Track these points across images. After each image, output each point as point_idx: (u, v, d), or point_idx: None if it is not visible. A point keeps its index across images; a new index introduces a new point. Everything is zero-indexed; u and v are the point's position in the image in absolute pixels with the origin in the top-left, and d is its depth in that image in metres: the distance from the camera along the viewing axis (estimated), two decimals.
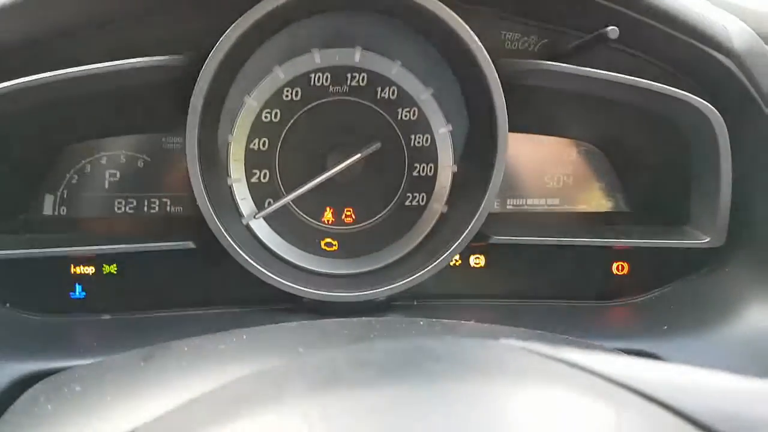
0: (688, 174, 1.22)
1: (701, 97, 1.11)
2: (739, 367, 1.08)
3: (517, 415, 0.46)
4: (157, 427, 0.54)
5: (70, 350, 1.05)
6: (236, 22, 1.05)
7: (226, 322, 1.19)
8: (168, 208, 1.31)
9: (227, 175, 1.26)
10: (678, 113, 1.14)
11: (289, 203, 1.27)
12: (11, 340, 1.09)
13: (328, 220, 1.30)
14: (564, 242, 1.22)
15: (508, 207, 1.37)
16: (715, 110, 1.11)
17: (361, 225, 1.31)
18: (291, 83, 1.25)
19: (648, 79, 1.11)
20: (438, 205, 1.30)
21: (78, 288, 1.26)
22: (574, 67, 1.10)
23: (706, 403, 0.46)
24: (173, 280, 1.27)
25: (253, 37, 1.12)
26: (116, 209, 1.29)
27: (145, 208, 1.30)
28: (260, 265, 1.15)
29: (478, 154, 1.23)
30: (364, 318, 0.88)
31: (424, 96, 1.27)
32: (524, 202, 1.37)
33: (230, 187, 1.26)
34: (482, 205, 1.18)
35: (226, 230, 1.14)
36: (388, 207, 1.31)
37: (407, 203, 1.31)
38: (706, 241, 1.18)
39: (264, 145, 1.27)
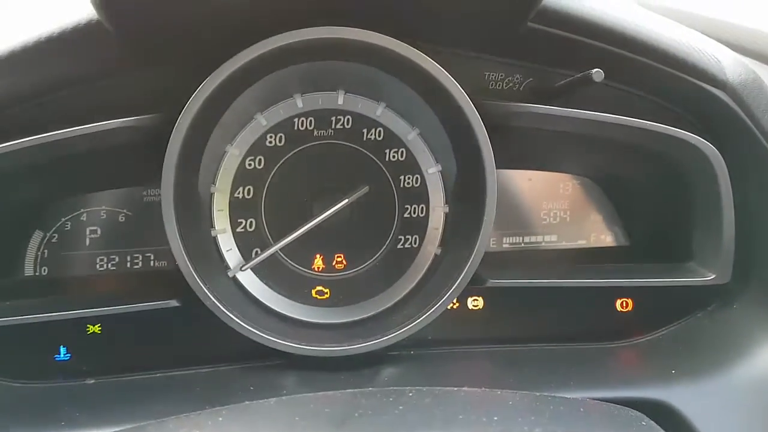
0: (689, 208, 1.18)
1: (697, 131, 1.07)
2: (751, 413, 1.04)
3: None
4: None
5: (54, 422, 1.01)
6: (203, 82, 1.03)
7: (215, 382, 1.15)
8: (151, 263, 1.27)
9: (211, 226, 1.22)
10: (674, 150, 1.10)
11: (277, 252, 1.23)
12: None
13: (318, 268, 1.26)
14: (564, 284, 1.17)
15: (504, 245, 1.33)
16: (713, 147, 1.07)
17: (352, 271, 1.27)
18: (274, 129, 1.22)
19: (642, 114, 1.08)
20: (431, 247, 1.26)
21: (62, 350, 1.23)
22: (561, 109, 1.07)
23: None
24: (160, 338, 1.23)
25: (229, 90, 1.08)
26: (98, 267, 1.26)
27: (128, 264, 1.27)
28: (246, 323, 1.11)
29: (469, 193, 1.19)
30: (348, 392, 0.83)
31: (411, 136, 1.23)
32: (521, 240, 1.33)
33: (215, 239, 1.22)
34: (476, 247, 1.14)
35: (208, 286, 1.10)
36: (380, 251, 1.27)
37: (399, 246, 1.27)
38: (711, 278, 1.14)
39: (249, 193, 1.23)
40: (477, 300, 1.31)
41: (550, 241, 1.33)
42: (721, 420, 1.00)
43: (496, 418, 0.76)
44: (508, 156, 1.14)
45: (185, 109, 1.03)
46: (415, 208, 1.26)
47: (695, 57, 1.06)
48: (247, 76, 1.09)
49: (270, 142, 1.22)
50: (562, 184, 1.32)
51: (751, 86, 1.07)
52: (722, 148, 1.08)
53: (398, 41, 1.05)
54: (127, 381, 1.16)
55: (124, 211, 1.25)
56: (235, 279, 1.23)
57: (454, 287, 1.14)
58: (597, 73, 0.99)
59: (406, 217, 1.26)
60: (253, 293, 1.24)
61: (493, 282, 1.18)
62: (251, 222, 1.23)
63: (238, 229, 1.23)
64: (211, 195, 1.21)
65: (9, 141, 0.98)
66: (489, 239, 1.15)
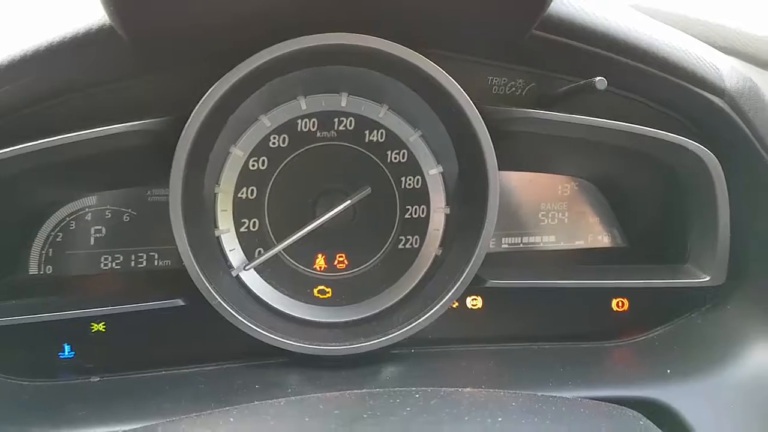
0: (685, 211, 1.20)
1: (695, 138, 1.09)
2: (745, 411, 1.06)
3: None
4: None
5: (58, 421, 1.02)
6: (212, 87, 1.04)
7: (220, 380, 1.16)
8: (156, 262, 1.28)
9: (215, 226, 1.23)
10: (672, 155, 1.12)
11: (280, 252, 1.24)
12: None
13: (320, 267, 1.28)
14: (562, 285, 1.20)
15: (503, 246, 1.34)
16: (711, 153, 1.09)
17: (354, 270, 1.28)
18: (277, 130, 1.23)
19: (641, 119, 1.10)
20: (432, 248, 1.28)
21: (66, 348, 1.23)
22: (562, 115, 1.09)
23: None
24: (163, 336, 1.23)
25: (236, 94, 1.09)
26: (102, 265, 1.26)
27: (132, 263, 1.27)
28: (249, 321, 1.13)
29: (471, 195, 1.21)
30: (356, 392, 0.85)
31: (413, 138, 1.25)
32: (520, 241, 1.35)
33: (218, 239, 1.23)
34: (477, 249, 1.16)
35: (213, 285, 1.11)
36: (382, 251, 1.28)
37: (400, 247, 1.28)
38: (706, 280, 1.16)
39: (252, 193, 1.24)
40: (476, 300, 1.33)
41: (548, 241, 1.35)
42: (715, 418, 1.03)
43: (500, 419, 0.78)
44: (509, 158, 1.15)
45: (194, 113, 1.04)
46: (416, 209, 1.28)
47: (695, 65, 1.08)
48: (254, 80, 1.10)
49: (273, 143, 1.23)
50: (561, 185, 1.34)
51: (748, 94, 1.10)
52: (719, 154, 1.10)
53: (403, 47, 1.06)
54: (131, 379, 1.17)
55: (129, 210, 1.26)
56: (238, 278, 1.24)
57: (455, 288, 1.16)
58: (600, 82, 1.00)
59: (408, 218, 1.28)
60: (256, 292, 1.25)
61: (492, 282, 1.20)
62: (254, 222, 1.25)
63: (242, 229, 1.24)
64: (215, 195, 1.22)
65: (20, 144, 0.98)
66: (490, 241, 1.16)
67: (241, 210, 1.24)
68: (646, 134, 1.07)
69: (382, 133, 1.25)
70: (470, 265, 1.16)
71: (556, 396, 0.91)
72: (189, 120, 1.04)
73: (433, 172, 1.26)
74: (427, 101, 1.18)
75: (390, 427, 0.72)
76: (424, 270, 1.28)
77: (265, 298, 1.25)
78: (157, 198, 1.26)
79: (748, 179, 1.14)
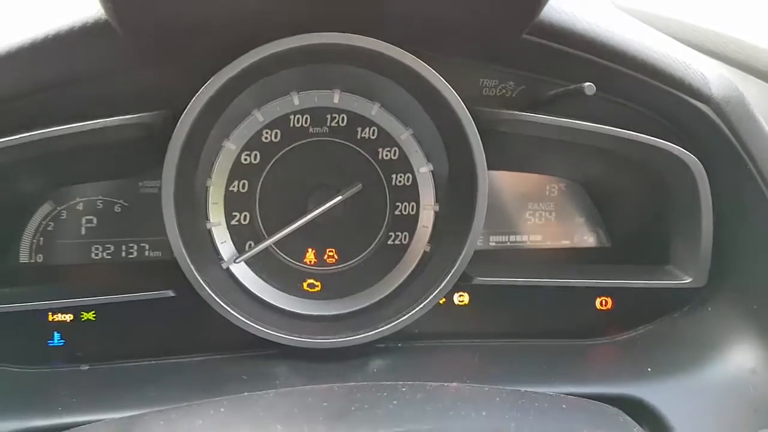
0: (670, 214, 1.22)
1: (681, 143, 1.11)
2: (722, 410, 1.09)
3: None
4: None
5: (49, 408, 1.03)
6: (207, 82, 1.04)
7: (208, 370, 1.18)
8: (146, 253, 1.29)
9: (206, 218, 1.24)
10: (658, 159, 1.14)
11: (270, 245, 1.25)
12: None
13: (310, 261, 1.29)
14: (547, 283, 1.22)
15: (491, 244, 1.36)
16: (695, 158, 1.11)
17: (343, 265, 1.30)
18: (270, 125, 1.24)
19: (628, 124, 1.11)
20: (421, 244, 1.29)
21: (56, 336, 1.24)
22: (551, 117, 1.10)
23: None
24: (153, 327, 1.24)
25: (230, 89, 1.10)
26: (93, 255, 1.27)
27: (123, 254, 1.28)
28: (239, 313, 1.14)
29: (460, 194, 1.22)
30: (345, 385, 0.87)
31: (404, 136, 1.26)
32: (507, 239, 1.37)
33: (209, 231, 1.24)
34: (465, 246, 1.17)
35: (203, 277, 1.13)
36: (371, 247, 1.30)
37: (390, 242, 1.30)
38: (688, 281, 1.19)
39: (244, 187, 1.25)
40: (463, 296, 1.35)
41: (535, 240, 1.37)
42: (694, 416, 1.05)
43: (484, 414, 0.80)
44: (498, 158, 1.17)
45: (188, 108, 1.05)
46: (405, 205, 1.29)
47: (682, 72, 1.11)
48: (249, 76, 1.11)
49: (266, 138, 1.24)
50: (549, 186, 1.36)
51: (734, 102, 1.12)
52: (704, 160, 1.12)
53: (396, 48, 1.07)
54: (120, 368, 1.18)
55: (121, 201, 1.27)
56: (228, 271, 1.25)
57: (443, 284, 1.18)
58: (589, 87, 1.02)
59: (397, 215, 1.29)
60: (246, 285, 1.26)
61: (479, 279, 1.22)
62: (245, 215, 1.26)
63: (233, 222, 1.25)
64: (207, 188, 1.23)
65: (14, 135, 0.99)
66: (478, 239, 1.18)
67: (232, 203, 1.25)
68: (632, 139, 1.10)
69: (373, 130, 1.26)
70: (458, 262, 1.18)
71: (539, 392, 0.93)
72: (183, 114, 1.05)
73: (423, 170, 1.28)
74: (418, 100, 1.20)
75: (377, 419, 0.74)
76: (413, 266, 1.30)
77: (254, 291, 1.27)
78: (148, 189, 1.27)
79: (731, 185, 1.16)
